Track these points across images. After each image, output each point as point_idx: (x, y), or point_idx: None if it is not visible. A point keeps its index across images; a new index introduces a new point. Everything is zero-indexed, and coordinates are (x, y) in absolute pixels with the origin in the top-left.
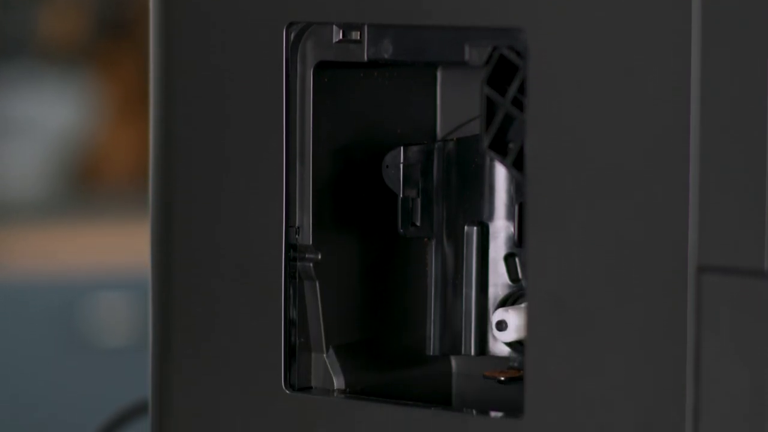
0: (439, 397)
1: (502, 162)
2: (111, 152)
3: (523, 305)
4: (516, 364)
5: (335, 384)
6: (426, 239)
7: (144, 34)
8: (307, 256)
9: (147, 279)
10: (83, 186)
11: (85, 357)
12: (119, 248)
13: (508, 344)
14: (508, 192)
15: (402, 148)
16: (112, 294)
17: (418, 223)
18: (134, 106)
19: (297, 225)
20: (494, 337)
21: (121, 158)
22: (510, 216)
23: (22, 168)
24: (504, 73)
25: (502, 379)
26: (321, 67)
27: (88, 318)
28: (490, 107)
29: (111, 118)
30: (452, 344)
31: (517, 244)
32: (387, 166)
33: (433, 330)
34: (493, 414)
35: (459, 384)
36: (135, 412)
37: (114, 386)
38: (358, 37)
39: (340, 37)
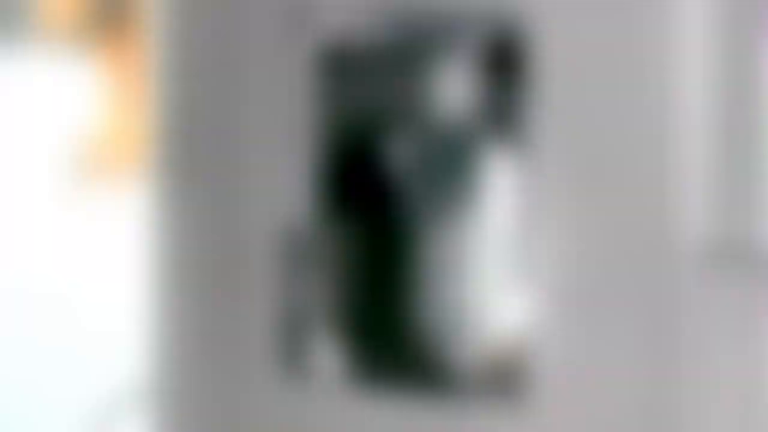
0: (439, 381)
1: (500, 147)
2: (111, 137)
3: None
4: (517, 348)
5: (334, 368)
6: (424, 224)
7: (145, 19)
8: (305, 239)
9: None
10: (82, 170)
11: (84, 340)
12: (118, 231)
13: (509, 328)
14: (507, 178)
15: (399, 133)
16: (111, 278)
17: (416, 209)
18: (135, 90)
19: (296, 209)
20: (495, 321)
21: (120, 142)
22: (508, 202)
23: (22, 152)
24: (502, 58)
25: (503, 362)
26: (320, 52)
27: (87, 302)
28: (488, 92)
29: (110, 103)
30: (452, 328)
31: (516, 229)
32: (385, 151)
33: (432, 314)
34: (494, 398)
35: (459, 368)
36: (133, 395)
37: (112, 370)
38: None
39: (340, 21)
